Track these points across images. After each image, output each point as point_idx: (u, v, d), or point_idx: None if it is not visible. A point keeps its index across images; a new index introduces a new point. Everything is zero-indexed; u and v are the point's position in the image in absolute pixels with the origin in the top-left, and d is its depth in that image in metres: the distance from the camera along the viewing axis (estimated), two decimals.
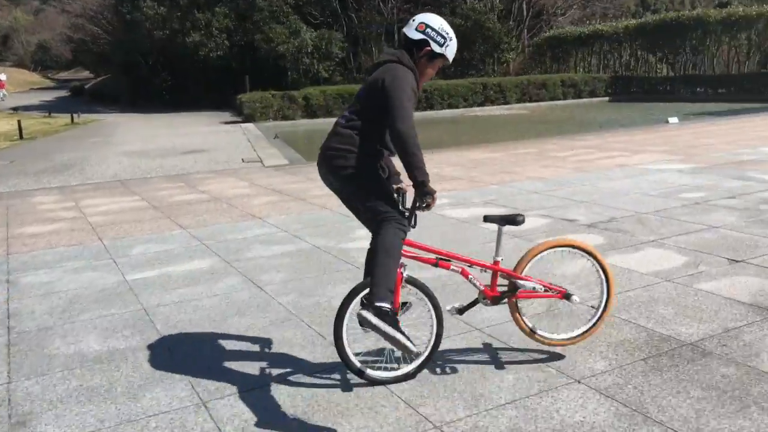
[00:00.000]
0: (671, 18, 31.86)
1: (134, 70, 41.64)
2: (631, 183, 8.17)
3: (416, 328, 3.28)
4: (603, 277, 3.40)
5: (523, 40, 40.56)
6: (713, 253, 5.04)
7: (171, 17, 34.93)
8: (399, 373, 3.17)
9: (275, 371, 3.36)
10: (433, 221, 6.56)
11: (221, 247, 5.94)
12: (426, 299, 3.23)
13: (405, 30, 3.19)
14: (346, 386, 3.15)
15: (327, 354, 3.52)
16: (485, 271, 3.31)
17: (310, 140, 20.27)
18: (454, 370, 3.26)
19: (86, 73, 71.83)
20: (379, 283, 2.93)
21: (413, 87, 3.03)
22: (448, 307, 3.37)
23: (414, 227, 3.11)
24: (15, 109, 36.77)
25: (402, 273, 3.09)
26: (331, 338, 3.18)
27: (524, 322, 3.35)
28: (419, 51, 3.15)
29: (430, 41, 3.15)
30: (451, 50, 3.20)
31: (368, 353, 3.35)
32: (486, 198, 7.70)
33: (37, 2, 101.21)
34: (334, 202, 7.82)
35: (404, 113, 2.94)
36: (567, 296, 3.35)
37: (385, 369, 3.20)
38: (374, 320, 2.86)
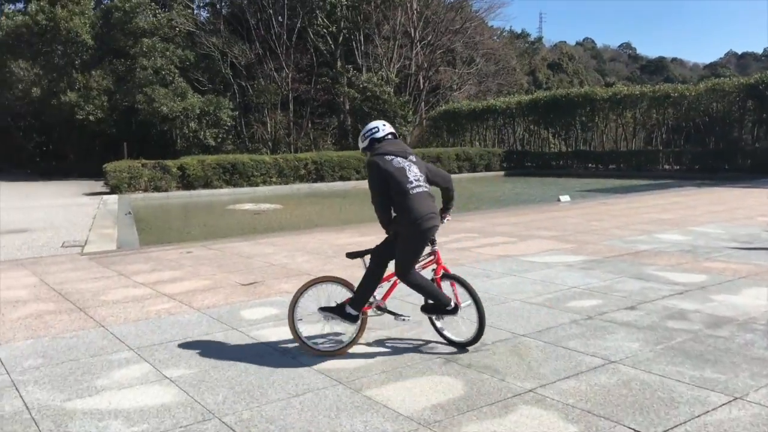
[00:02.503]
0: (561, 95, 32.39)
1: (2, 134, 37.95)
2: (511, 284, 6.60)
3: None
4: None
5: (420, 113, 40.39)
6: (612, 419, 3.38)
7: (46, 77, 32.05)
8: None
9: None
10: (229, 350, 4.62)
11: None
12: None
13: (392, 130, 4.67)
14: None
15: None
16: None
17: (177, 217, 17.99)
18: None
19: None
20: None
21: None
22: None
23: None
24: None
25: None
26: None
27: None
28: None
29: None
30: None
31: None
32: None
33: None
34: (120, 314, 5.74)
35: None
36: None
37: None
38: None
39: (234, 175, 23.70)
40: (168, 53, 32.03)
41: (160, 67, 31.67)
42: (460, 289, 4.56)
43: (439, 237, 10.07)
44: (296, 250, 9.14)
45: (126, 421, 3.53)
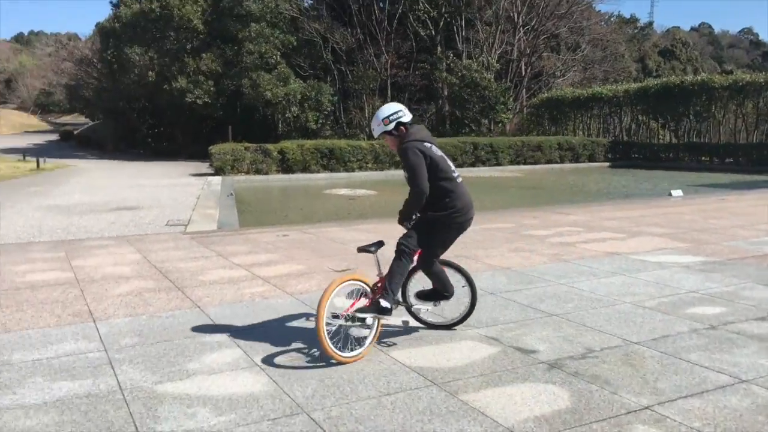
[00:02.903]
0: (674, 83, 30.42)
1: (120, 116, 40.27)
2: (621, 284, 6.10)
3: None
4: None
5: (521, 101, 39.26)
6: None
7: (158, 62, 33.60)
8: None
9: None
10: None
11: None
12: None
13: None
14: None
15: None
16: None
17: (275, 199, 18.33)
18: None
19: (83, 118, 71.00)
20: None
21: None
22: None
23: None
24: None
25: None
26: None
27: None
28: None
29: None
30: None
31: None
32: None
33: (52, 48, 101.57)
34: (216, 296, 5.78)
35: None
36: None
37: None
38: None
39: (331, 160, 23.94)
40: (272, 38, 32.76)
41: (264, 51, 32.44)
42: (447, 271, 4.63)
43: (540, 230, 9.62)
44: (389, 238, 8.92)
45: (214, 409, 3.44)
